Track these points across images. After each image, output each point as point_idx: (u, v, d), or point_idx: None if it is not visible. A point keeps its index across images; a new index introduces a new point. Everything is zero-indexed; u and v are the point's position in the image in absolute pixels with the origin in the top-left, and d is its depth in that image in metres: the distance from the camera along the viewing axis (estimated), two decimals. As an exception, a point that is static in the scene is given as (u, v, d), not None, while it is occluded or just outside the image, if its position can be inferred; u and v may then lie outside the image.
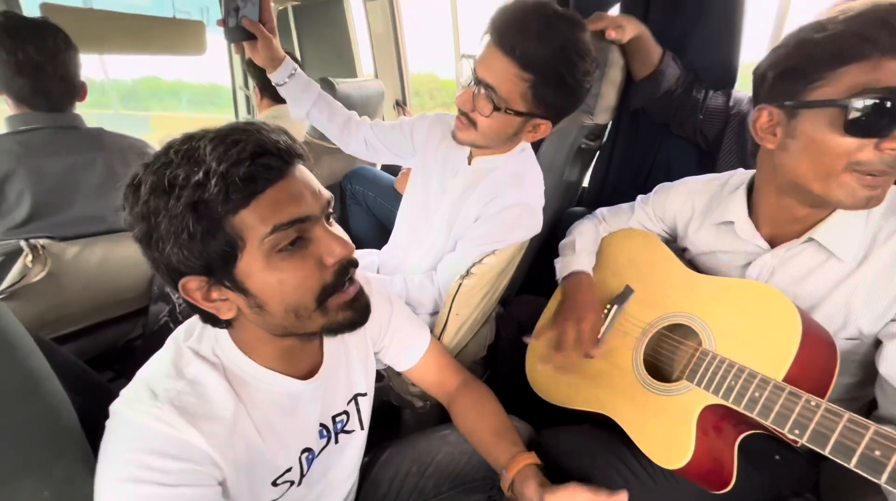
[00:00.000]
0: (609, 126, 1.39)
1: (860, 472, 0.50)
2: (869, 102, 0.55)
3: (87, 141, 1.12)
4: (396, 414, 1.22)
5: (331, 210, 0.56)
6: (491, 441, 0.77)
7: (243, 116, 2.63)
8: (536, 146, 1.23)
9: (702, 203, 0.89)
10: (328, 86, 1.60)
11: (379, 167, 1.90)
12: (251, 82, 1.91)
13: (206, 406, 0.53)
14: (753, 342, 0.67)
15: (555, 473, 0.72)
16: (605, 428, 0.82)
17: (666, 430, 0.71)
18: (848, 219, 0.67)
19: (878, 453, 0.49)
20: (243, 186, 0.46)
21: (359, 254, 1.32)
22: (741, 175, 0.86)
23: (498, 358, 1.30)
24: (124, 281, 1.18)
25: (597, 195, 1.58)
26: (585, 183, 1.62)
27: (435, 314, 1.03)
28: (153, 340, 1.13)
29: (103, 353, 1.24)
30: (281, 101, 1.75)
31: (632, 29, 1.11)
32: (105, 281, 1.13)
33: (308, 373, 0.65)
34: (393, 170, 1.76)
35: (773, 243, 0.75)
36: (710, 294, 0.78)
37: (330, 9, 2.08)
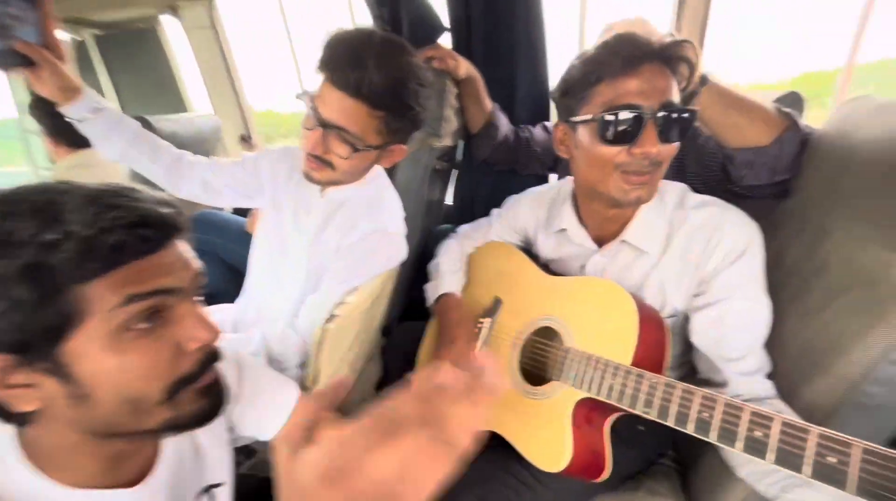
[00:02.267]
0: (461, 146, 1.47)
1: (698, 436, 0.56)
2: (611, 116, 0.67)
3: None
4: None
5: (201, 286, 0.49)
6: None
7: (44, 169, 2.14)
8: (391, 171, 1.23)
9: (543, 213, 0.97)
10: (144, 125, 1.38)
11: (230, 210, 1.70)
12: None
13: None
14: (603, 333, 0.73)
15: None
16: (500, 448, 0.81)
17: (545, 434, 0.73)
18: (648, 218, 0.79)
19: (706, 414, 0.56)
20: (108, 254, 0.40)
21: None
22: (570, 184, 0.95)
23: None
24: None
25: (460, 211, 1.65)
26: (450, 200, 1.70)
27: (304, 366, 0.93)
28: None
29: None
30: (82, 145, 1.46)
31: (465, 66, 1.20)
32: None
33: (138, 476, 0.51)
34: (244, 210, 1.58)
35: (600, 242, 0.85)
36: (564, 294, 0.84)
37: (143, 39, 1.83)
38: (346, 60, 0.76)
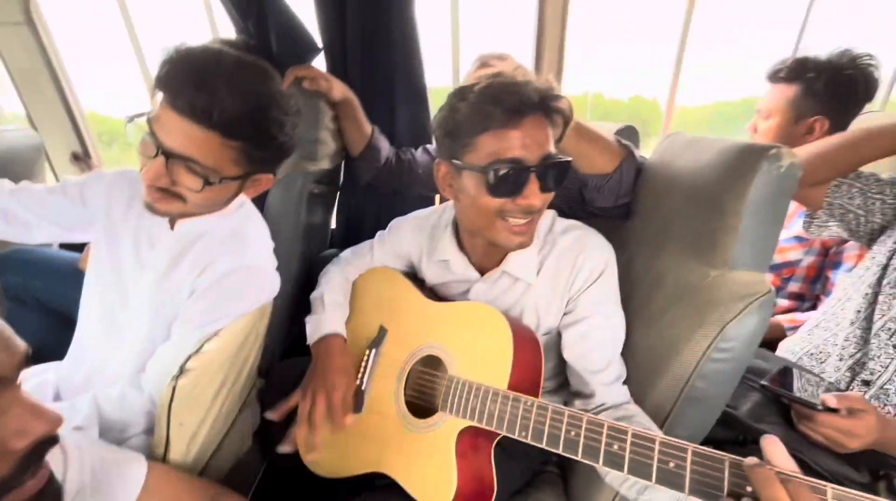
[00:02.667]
0: (343, 168, 1.42)
1: (568, 455, 0.59)
2: (500, 171, 0.68)
3: None
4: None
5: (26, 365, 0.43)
6: None
7: None
8: (262, 196, 1.13)
9: (425, 240, 0.97)
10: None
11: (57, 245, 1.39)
12: None
13: None
14: (482, 358, 0.75)
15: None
16: (391, 488, 0.77)
17: (431, 468, 0.71)
18: (524, 250, 0.82)
19: (573, 434, 0.59)
20: None
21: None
22: (451, 210, 0.95)
23: (271, 443, 1.11)
24: None
25: (346, 235, 1.59)
26: (334, 224, 1.63)
27: (151, 431, 0.78)
28: None
29: None
30: None
31: (341, 88, 1.16)
32: None
33: None
34: (78, 245, 1.31)
35: (482, 270, 0.87)
36: (445, 321, 0.84)
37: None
38: (191, 83, 0.65)
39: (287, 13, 1.24)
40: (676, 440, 0.51)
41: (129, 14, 1.47)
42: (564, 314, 0.82)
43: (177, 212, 0.77)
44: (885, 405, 0.84)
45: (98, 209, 0.87)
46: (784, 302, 1.31)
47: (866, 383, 0.87)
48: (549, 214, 0.88)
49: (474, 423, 0.69)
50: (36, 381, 0.88)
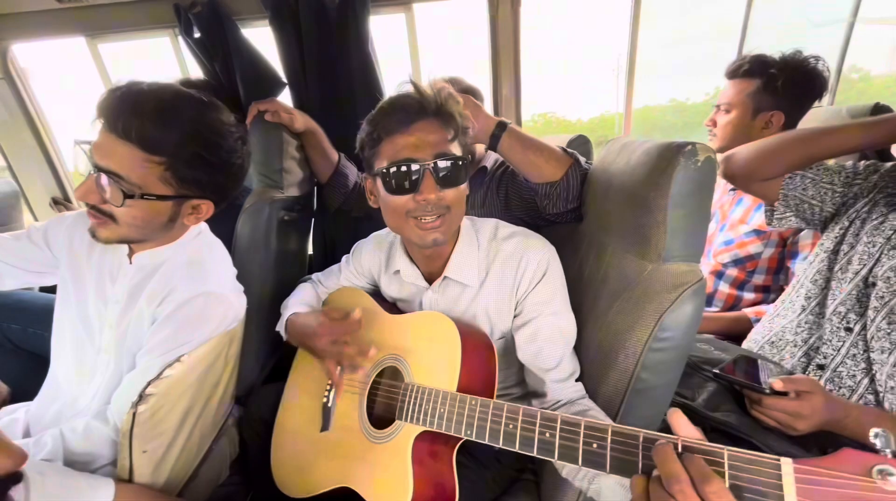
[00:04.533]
0: (314, 195, 1.46)
1: (506, 448, 0.61)
2: (393, 170, 0.75)
3: None
4: None
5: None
6: None
7: None
8: (231, 226, 1.17)
9: (383, 256, 1.00)
10: None
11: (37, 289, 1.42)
12: None
13: None
14: (433, 363, 0.77)
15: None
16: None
17: (387, 477, 0.72)
18: (463, 252, 0.87)
19: (511, 426, 0.61)
20: None
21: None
22: None
23: (252, 473, 1.11)
24: None
25: (322, 259, 1.62)
26: (312, 250, 1.66)
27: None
28: None
29: None
30: None
31: (302, 119, 1.21)
32: None
33: None
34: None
35: (430, 279, 0.90)
36: (402, 332, 0.86)
37: None
38: (123, 106, 0.71)
39: (250, 52, 1.31)
40: (600, 421, 0.53)
41: (104, 64, 1.54)
42: (515, 316, 0.84)
43: (115, 237, 0.79)
44: (840, 388, 0.86)
45: (61, 251, 0.91)
46: (750, 295, 1.33)
47: (821, 367, 0.89)
48: (492, 222, 0.92)
49: (426, 427, 0.70)
50: (7, 419, 0.90)
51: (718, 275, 1.35)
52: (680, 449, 0.44)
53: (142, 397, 0.71)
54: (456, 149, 0.78)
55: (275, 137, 1.18)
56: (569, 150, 1.00)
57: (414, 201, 0.76)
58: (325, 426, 0.88)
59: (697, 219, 0.71)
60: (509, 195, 1.22)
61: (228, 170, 0.81)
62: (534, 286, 0.82)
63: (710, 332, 1.27)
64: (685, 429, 0.45)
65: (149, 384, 0.72)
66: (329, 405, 0.89)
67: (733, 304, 1.34)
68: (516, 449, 0.59)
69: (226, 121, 0.80)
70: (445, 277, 0.86)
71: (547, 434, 0.56)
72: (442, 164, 0.75)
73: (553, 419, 0.57)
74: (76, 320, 0.88)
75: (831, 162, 1.01)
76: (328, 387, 0.91)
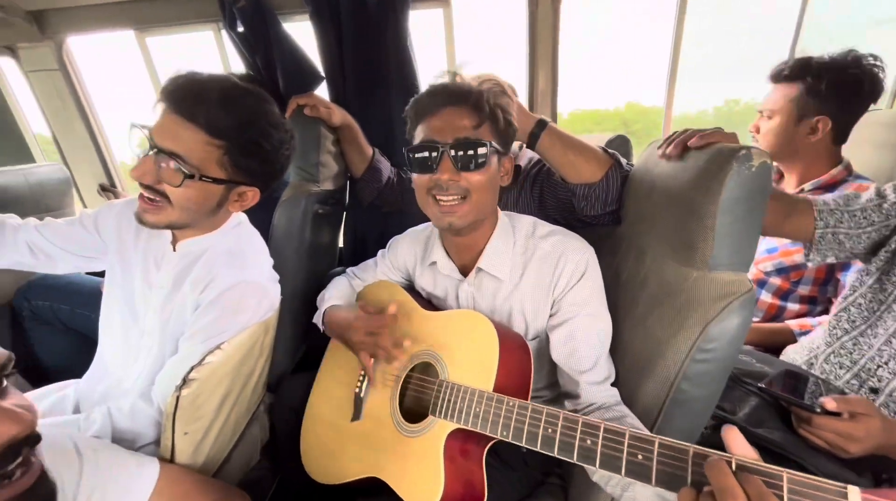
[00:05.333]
0: (348, 189, 1.47)
1: (545, 452, 0.60)
2: (417, 150, 0.80)
3: None
4: None
5: (8, 372, 0.46)
6: None
7: None
8: (269, 218, 1.19)
9: (420, 250, 1.01)
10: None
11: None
12: None
13: None
14: (470, 362, 0.76)
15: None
16: (383, 494, 0.79)
17: (419, 471, 0.72)
18: (497, 246, 0.86)
19: (550, 431, 0.60)
20: None
21: (39, 393, 0.97)
22: None
23: (281, 459, 1.14)
24: None
25: (352, 253, 1.64)
26: (343, 243, 1.68)
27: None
28: None
29: None
30: None
31: (340, 114, 1.23)
32: None
33: None
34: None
35: (465, 273, 0.89)
36: (439, 328, 0.86)
37: (-29, 81, 1.59)
38: (189, 91, 0.75)
39: (291, 46, 1.33)
40: (646, 433, 0.52)
41: (151, 57, 1.60)
42: (550, 316, 0.83)
43: (165, 221, 0.81)
44: (895, 414, 0.81)
45: (110, 237, 0.95)
46: (795, 306, 1.27)
47: (874, 390, 0.84)
48: (529, 220, 0.90)
49: (460, 425, 0.70)
50: (58, 396, 0.95)
51: (760, 284, 1.29)
52: (734, 468, 0.42)
53: (185, 381, 0.73)
54: (484, 135, 0.79)
55: (312, 132, 1.19)
56: (609, 150, 0.98)
57: (433, 180, 0.80)
58: (356, 416, 0.89)
59: (748, 226, 0.68)
60: (544, 195, 1.20)
61: (277, 161, 0.84)
62: (571, 287, 0.81)
63: (749, 343, 1.22)
64: (741, 448, 0.43)
65: (192, 369, 0.74)
66: (361, 395, 0.90)
67: (775, 314, 1.28)
68: (554, 454, 0.58)
69: (277, 113, 0.83)
70: (479, 268, 0.87)
71: (588, 441, 0.55)
72: (461, 147, 0.77)
73: (596, 427, 0.56)
74: (122, 303, 0.92)
75: (865, 196, 0.93)
76: (360, 378, 0.92)
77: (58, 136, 1.62)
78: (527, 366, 0.78)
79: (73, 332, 1.28)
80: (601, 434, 0.55)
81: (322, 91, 1.42)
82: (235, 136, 0.77)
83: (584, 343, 0.79)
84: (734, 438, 0.44)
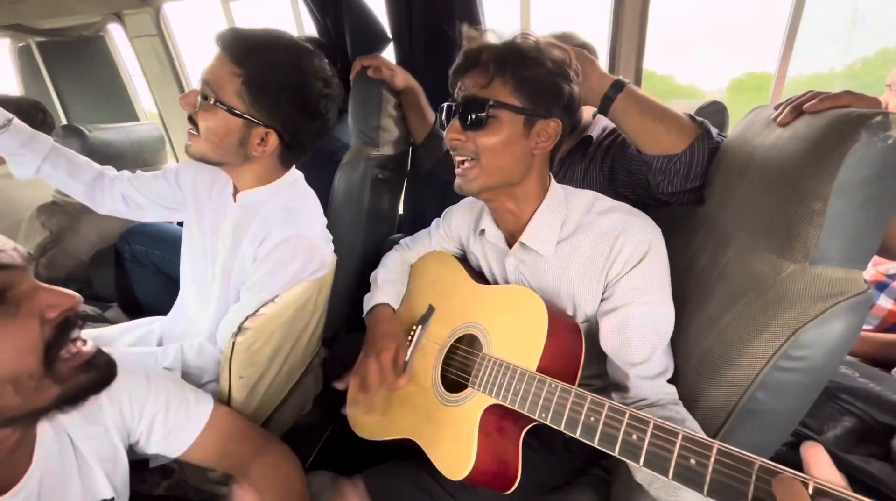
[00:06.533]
0: (410, 156, 1.46)
1: (585, 440, 0.55)
2: (439, 111, 0.82)
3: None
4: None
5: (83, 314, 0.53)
6: None
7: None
8: (329, 179, 1.22)
9: (472, 219, 0.97)
10: (75, 134, 1.34)
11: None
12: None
13: None
14: (516, 339, 0.73)
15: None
16: (415, 459, 0.79)
17: (453, 440, 0.71)
18: (542, 219, 0.80)
19: (592, 419, 0.55)
20: None
21: (132, 325, 1.10)
22: None
23: (333, 410, 1.21)
24: None
25: (411, 221, 1.65)
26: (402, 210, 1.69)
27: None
28: None
29: None
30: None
31: (403, 76, 1.20)
32: None
33: (6, 484, 0.52)
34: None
35: (512, 244, 0.84)
36: (487, 302, 0.83)
37: (90, 47, 1.79)
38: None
39: (360, 6, 1.32)
40: (702, 437, 0.45)
41: (234, 22, 1.68)
42: (602, 300, 0.76)
43: (199, 152, 0.86)
44: None
45: (188, 190, 1.02)
46: (920, 316, 1.06)
47: None
48: (589, 194, 0.82)
49: (498, 400, 0.68)
50: (146, 330, 1.07)
51: (879, 287, 1.09)
52: (811, 491, 0.35)
53: (240, 329, 0.78)
54: (495, 94, 0.73)
55: (374, 94, 1.18)
56: (698, 118, 0.85)
57: (446, 140, 0.79)
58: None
59: (873, 214, 0.55)
60: (615, 168, 1.09)
61: (305, 110, 0.84)
62: (629, 270, 0.72)
63: (857, 354, 1.04)
64: (824, 471, 0.36)
65: (247, 318, 0.79)
66: (406, 360, 0.91)
67: (894, 323, 1.08)
68: (594, 444, 0.54)
69: (318, 66, 0.84)
70: (521, 243, 0.81)
71: (634, 436, 0.50)
72: (465, 105, 0.75)
73: (645, 422, 0.50)
74: (197, 251, 1.00)
75: None
76: (408, 342, 0.92)
77: (156, 97, 1.78)
78: (577, 350, 0.72)
79: (164, 274, 1.44)
80: (650, 430, 0.49)
81: (389, 54, 1.40)
82: (255, 67, 0.79)
83: (637, 334, 0.71)
84: (817, 457, 0.36)
